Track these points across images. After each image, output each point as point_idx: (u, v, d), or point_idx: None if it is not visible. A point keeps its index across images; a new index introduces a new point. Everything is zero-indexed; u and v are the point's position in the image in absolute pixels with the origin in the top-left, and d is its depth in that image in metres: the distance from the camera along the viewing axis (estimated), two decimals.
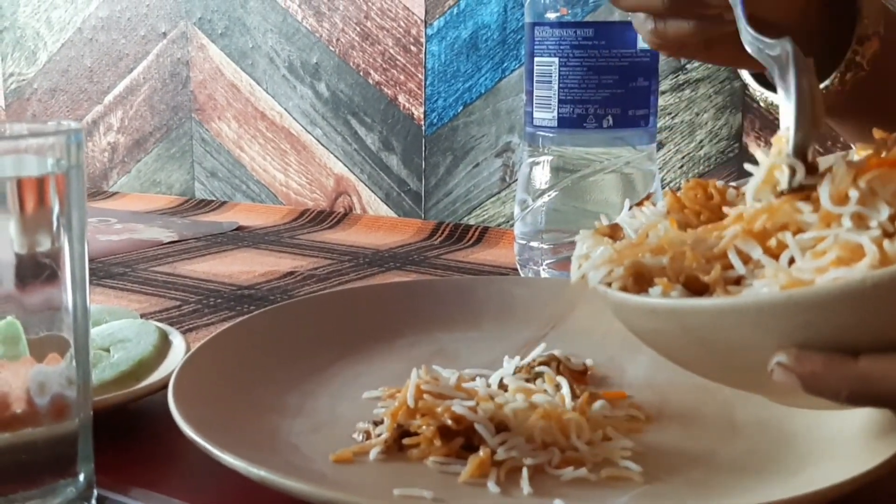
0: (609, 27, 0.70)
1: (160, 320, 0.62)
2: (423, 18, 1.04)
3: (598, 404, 0.46)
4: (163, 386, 0.46)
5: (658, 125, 0.78)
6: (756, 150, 0.40)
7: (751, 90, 0.60)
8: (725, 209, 0.40)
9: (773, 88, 0.57)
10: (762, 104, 0.59)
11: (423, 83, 1.05)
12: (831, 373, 0.32)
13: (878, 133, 0.39)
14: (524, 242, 0.77)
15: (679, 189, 0.42)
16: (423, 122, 1.06)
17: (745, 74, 0.60)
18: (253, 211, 1.15)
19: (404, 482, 0.39)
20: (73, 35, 1.33)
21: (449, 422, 0.42)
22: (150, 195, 1.28)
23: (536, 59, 0.72)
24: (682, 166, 0.92)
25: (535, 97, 0.73)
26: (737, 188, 0.42)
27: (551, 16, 0.71)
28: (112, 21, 1.29)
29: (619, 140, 0.73)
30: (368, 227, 1.04)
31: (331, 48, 1.11)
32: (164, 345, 0.52)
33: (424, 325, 0.59)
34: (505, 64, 1.00)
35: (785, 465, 0.41)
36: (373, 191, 1.11)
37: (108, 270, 0.83)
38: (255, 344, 0.52)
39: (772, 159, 0.38)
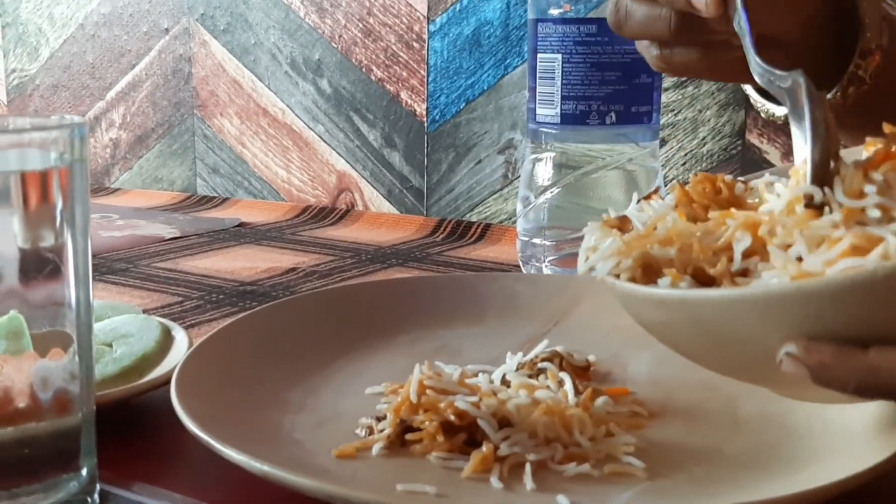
0: None
1: (162, 316, 0.62)
2: (425, 15, 1.04)
3: (601, 400, 0.46)
4: (165, 381, 0.46)
5: (661, 122, 0.78)
6: (776, 184, 0.39)
7: (752, 101, 0.60)
8: (734, 210, 0.40)
9: (773, 99, 0.58)
10: (763, 115, 0.59)
11: (425, 80, 1.05)
12: (840, 364, 0.32)
13: (888, 128, 0.39)
14: (527, 239, 0.77)
15: (687, 183, 0.42)
16: (425, 119, 1.06)
17: (747, 86, 0.60)
18: (255, 207, 1.15)
19: (407, 477, 0.39)
20: (75, 31, 1.33)
21: (452, 417, 0.42)
22: (152, 191, 1.28)
23: (539, 55, 0.72)
24: (684, 163, 0.92)
25: (538, 94, 0.73)
26: (745, 182, 0.42)
27: (554, 12, 0.71)
28: (114, 17, 1.29)
29: (622, 137, 0.73)
30: (370, 223, 1.04)
31: (333, 44, 1.11)
32: (166, 340, 0.52)
33: (427, 322, 0.59)
34: (507, 60, 1.00)
35: (789, 462, 0.41)
36: (375, 187, 1.11)
37: (110, 266, 0.83)
38: (258, 340, 0.52)
39: (791, 192, 0.37)
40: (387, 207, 1.10)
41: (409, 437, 0.42)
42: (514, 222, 0.93)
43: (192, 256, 0.88)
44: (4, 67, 1.42)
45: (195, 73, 1.23)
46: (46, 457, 0.36)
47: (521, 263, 0.78)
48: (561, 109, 0.72)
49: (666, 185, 0.91)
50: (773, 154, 0.89)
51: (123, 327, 0.53)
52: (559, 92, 0.72)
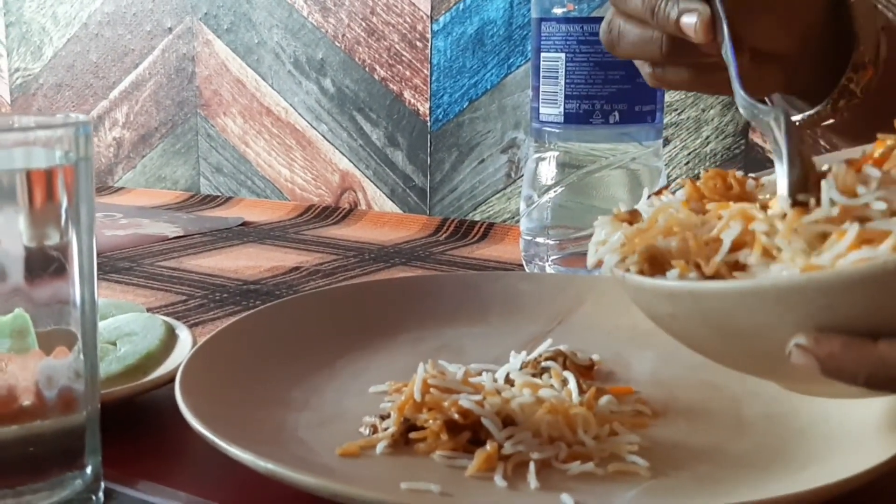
0: None
1: (166, 315, 0.62)
2: (428, 14, 1.04)
3: (604, 399, 0.46)
4: (170, 379, 0.46)
5: (664, 121, 0.78)
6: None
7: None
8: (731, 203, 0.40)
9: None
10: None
11: (428, 79, 1.05)
12: (850, 355, 0.32)
13: None
14: (530, 238, 0.77)
15: (698, 178, 0.42)
16: (428, 118, 1.06)
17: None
18: (258, 206, 1.15)
19: (411, 476, 0.39)
20: (78, 30, 1.33)
21: (456, 416, 0.42)
22: (155, 190, 1.28)
23: (543, 54, 0.72)
24: (688, 162, 0.92)
25: (541, 93, 0.73)
26: (756, 179, 0.42)
27: (558, 11, 0.71)
28: (118, 16, 1.29)
29: (626, 136, 0.73)
30: (373, 222, 1.04)
31: (336, 44, 1.11)
32: (170, 339, 0.52)
33: (430, 320, 0.59)
34: (511, 60, 1.00)
35: (792, 461, 0.41)
36: (378, 187, 1.11)
37: (113, 265, 0.83)
38: (262, 338, 0.52)
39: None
40: (390, 207, 1.10)
41: (412, 435, 0.42)
42: (518, 221, 0.92)
43: (196, 255, 0.88)
44: (8, 66, 1.42)
45: (198, 72, 1.23)
46: (51, 455, 0.36)
47: (524, 262, 0.78)
48: (564, 108, 0.72)
49: (669, 185, 0.91)
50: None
51: (127, 326, 0.53)
52: (562, 91, 0.72)
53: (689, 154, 0.92)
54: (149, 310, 0.61)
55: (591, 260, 0.42)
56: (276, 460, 0.37)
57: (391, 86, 1.08)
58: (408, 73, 1.07)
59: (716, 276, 0.36)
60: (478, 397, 0.44)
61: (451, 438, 0.42)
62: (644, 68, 0.54)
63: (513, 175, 1.02)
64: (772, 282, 0.34)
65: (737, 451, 0.43)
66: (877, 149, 0.39)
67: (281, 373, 0.50)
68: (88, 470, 0.37)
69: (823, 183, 0.36)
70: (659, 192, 0.44)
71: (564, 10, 0.71)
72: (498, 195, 1.03)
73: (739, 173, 0.42)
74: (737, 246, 0.37)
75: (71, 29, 1.34)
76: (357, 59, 1.10)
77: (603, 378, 0.52)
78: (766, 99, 0.44)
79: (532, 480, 0.39)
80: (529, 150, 0.77)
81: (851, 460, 0.38)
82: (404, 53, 1.06)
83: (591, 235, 0.43)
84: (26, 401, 0.35)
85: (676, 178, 0.93)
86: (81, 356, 0.36)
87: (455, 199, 1.06)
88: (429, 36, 1.05)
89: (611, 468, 0.40)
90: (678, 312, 0.37)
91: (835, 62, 0.54)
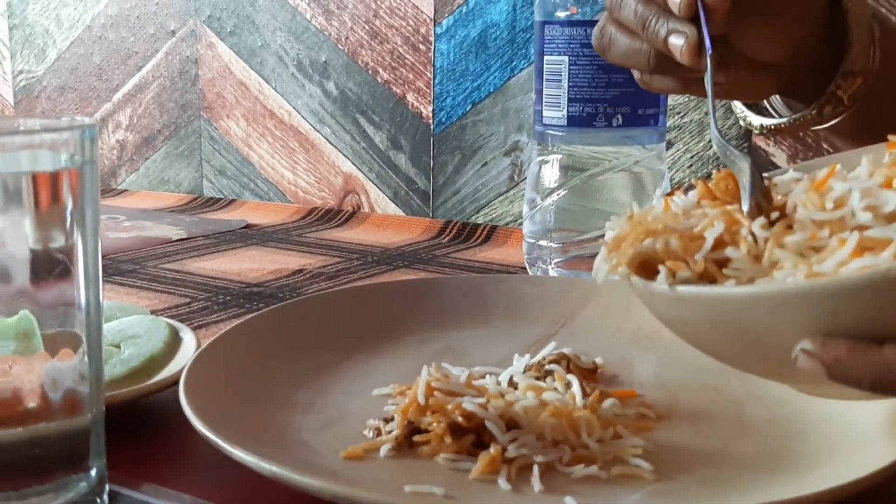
0: None
1: (170, 317, 0.62)
2: (431, 17, 1.04)
3: (608, 402, 0.46)
4: (174, 382, 0.46)
5: (667, 124, 0.78)
6: None
7: (732, 107, 0.60)
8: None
9: (753, 108, 0.58)
10: (742, 122, 0.59)
11: (431, 82, 1.05)
12: (855, 359, 0.33)
13: None
14: (533, 241, 0.77)
15: (710, 178, 0.42)
16: (431, 121, 1.06)
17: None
18: (261, 209, 1.15)
19: (415, 479, 0.39)
20: (82, 33, 1.33)
21: (459, 419, 0.42)
22: (158, 193, 1.28)
23: (546, 57, 0.72)
24: (691, 165, 0.92)
25: (544, 96, 0.73)
26: (769, 179, 0.42)
27: (561, 14, 0.71)
28: (121, 19, 1.29)
29: (629, 139, 0.73)
30: (376, 225, 1.04)
31: (339, 47, 1.11)
32: (174, 341, 0.52)
33: (434, 323, 0.59)
34: (514, 63, 1.00)
35: (795, 464, 0.41)
36: (381, 189, 1.11)
37: (117, 267, 0.83)
38: (265, 341, 0.53)
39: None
40: (393, 209, 1.10)
41: (416, 438, 0.43)
42: (521, 224, 0.93)
43: (199, 258, 0.88)
44: (12, 69, 1.42)
45: (202, 74, 1.23)
46: (56, 457, 0.36)
47: (527, 265, 0.79)
48: (567, 112, 0.72)
49: (681, 185, 0.91)
50: (779, 156, 0.89)
51: (131, 328, 0.53)
52: (566, 94, 0.72)
53: (692, 157, 0.92)
54: (152, 312, 0.61)
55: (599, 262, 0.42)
56: (279, 463, 0.37)
57: (394, 89, 1.08)
58: (411, 75, 1.07)
59: (704, 273, 0.37)
60: (481, 400, 0.44)
61: (455, 441, 0.42)
62: (633, 72, 0.55)
63: (516, 178, 1.02)
64: (778, 288, 0.34)
65: (740, 453, 0.43)
66: (889, 150, 0.40)
67: (285, 375, 0.50)
68: (93, 472, 0.37)
69: (798, 206, 0.37)
70: (671, 193, 0.44)
71: (568, 13, 0.71)
72: (501, 198, 1.03)
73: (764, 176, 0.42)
74: (720, 244, 0.37)
75: (74, 31, 1.34)
76: (360, 62, 1.10)
77: (606, 381, 0.52)
78: (737, 150, 0.45)
79: (536, 483, 0.39)
80: (532, 153, 0.77)
81: (854, 463, 0.38)
82: (407, 56, 1.07)
83: (594, 238, 0.43)
84: (31, 403, 0.35)
85: (679, 182, 0.93)
86: (86, 359, 0.36)
87: (458, 201, 1.06)
88: (432, 39, 1.05)
89: (615, 471, 0.40)
90: (686, 316, 0.38)
91: (830, 66, 0.54)
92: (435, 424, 0.42)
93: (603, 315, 0.58)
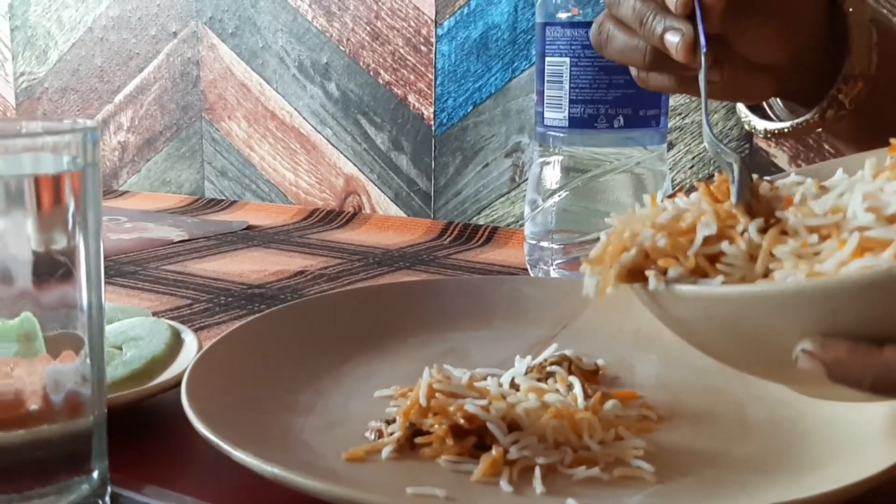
0: None
1: (171, 319, 0.62)
2: (433, 18, 1.04)
3: (609, 404, 0.46)
4: (176, 384, 0.46)
5: (669, 125, 0.78)
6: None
7: (737, 110, 0.61)
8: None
9: (756, 112, 0.58)
10: (746, 126, 0.60)
11: (432, 83, 1.05)
12: (856, 360, 0.33)
13: None
14: (534, 242, 0.77)
15: (712, 179, 0.42)
16: (432, 122, 1.06)
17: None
18: (263, 210, 1.15)
19: (417, 481, 0.39)
20: (83, 34, 1.33)
21: (461, 421, 0.42)
22: (159, 194, 1.28)
23: (547, 59, 0.72)
24: (692, 167, 0.92)
25: (546, 97, 0.73)
26: (771, 182, 0.42)
27: (562, 16, 0.71)
28: (123, 20, 1.29)
29: (630, 140, 0.73)
30: (378, 226, 1.04)
31: (341, 48, 1.11)
32: (176, 343, 0.52)
33: (435, 325, 0.59)
34: (515, 64, 1.00)
35: (797, 465, 0.41)
36: (382, 191, 1.11)
37: (119, 269, 0.83)
38: (267, 342, 0.53)
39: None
40: (394, 210, 1.10)
41: (418, 440, 0.43)
42: (522, 226, 0.93)
43: (201, 259, 0.88)
44: (13, 70, 1.42)
45: (203, 76, 1.23)
46: (58, 459, 0.36)
47: (528, 267, 0.79)
48: (569, 113, 0.72)
49: (683, 187, 0.91)
50: (780, 158, 0.89)
51: (133, 330, 0.53)
52: (567, 95, 0.72)
53: (693, 158, 0.92)
54: (154, 314, 0.61)
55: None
56: (281, 464, 0.37)
57: (395, 90, 1.08)
58: (412, 77, 1.07)
59: (696, 269, 0.37)
60: (483, 402, 0.44)
61: (457, 443, 0.42)
62: (631, 69, 0.56)
63: (517, 179, 1.02)
64: (779, 287, 0.34)
65: (742, 455, 0.43)
66: (891, 154, 0.40)
67: (286, 377, 0.50)
68: (95, 474, 0.37)
69: (790, 216, 0.37)
70: (673, 195, 0.44)
71: (569, 14, 0.71)
72: (502, 199, 1.03)
73: (754, 177, 0.42)
74: (712, 239, 0.37)
75: (76, 33, 1.34)
76: (361, 64, 1.10)
77: (608, 383, 0.52)
78: (727, 148, 0.45)
79: (538, 485, 0.39)
80: (534, 155, 0.77)
81: (856, 465, 0.38)
82: (409, 57, 1.07)
83: (595, 240, 0.43)
84: (33, 405, 0.35)
85: (681, 183, 0.93)
86: (88, 360, 0.36)
87: (459, 202, 1.06)
88: (433, 40, 1.05)
89: (616, 473, 0.40)
90: (686, 316, 0.38)
91: (830, 69, 0.54)
92: (437, 426, 0.42)
93: (604, 316, 0.58)
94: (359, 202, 1.13)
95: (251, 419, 0.44)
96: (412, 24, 1.06)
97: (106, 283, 0.81)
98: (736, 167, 0.41)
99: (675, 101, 0.91)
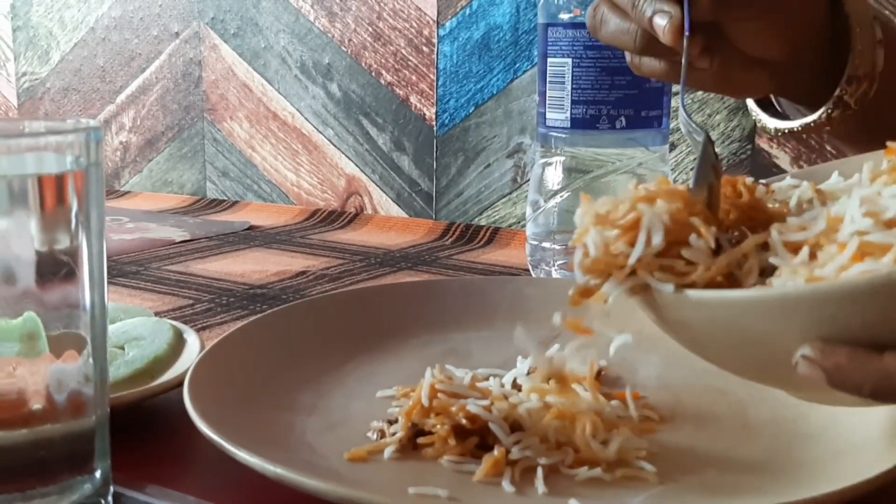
0: None
1: (173, 319, 0.62)
2: (435, 19, 1.04)
3: (611, 405, 0.46)
4: (178, 384, 0.46)
5: (671, 126, 0.78)
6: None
7: (749, 110, 0.61)
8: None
9: (768, 110, 0.59)
10: (757, 124, 0.60)
11: (434, 84, 1.05)
12: (856, 367, 0.32)
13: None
14: (536, 243, 0.77)
15: None
16: (434, 123, 1.06)
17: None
18: (264, 211, 1.15)
19: (419, 481, 0.39)
20: (85, 34, 1.34)
21: (463, 421, 0.42)
22: (161, 194, 1.28)
23: (549, 59, 0.72)
24: (693, 168, 0.92)
25: (547, 98, 0.73)
26: (766, 185, 0.42)
27: (564, 17, 0.71)
28: (125, 21, 1.29)
29: (632, 141, 0.73)
30: (380, 227, 1.04)
31: (343, 48, 1.11)
32: (178, 343, 0.52)
33: (437, 325, 0.59)
34: (517, 65, 1.00)
35: (799, 466, 0.41)
36: (384, 191, 1.11)
37: (120, 269, 0.83)
38: (269, 342, 0.53)
39: None
40: (396, 211, 1.10)
41: (420, 440, 0.43)
42: (524, 226, 0.93)
43: (203, 259, 0.88)
44: (15, 70, 1.42)
45: (205, 76, 1.23)
46: (61, 459, 0.36)
47: (530, 267, 0.79)
48: (571, 114, 0.72)
49: None
50: (782, 158, 0.89)
51: (135, 330, 0.54)
52: (569, 96, 0.72)
53: (695, 159, 0.92)
54: (156, 314, 0.61)
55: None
56: (284, 464, 0.37)
57: (397, 90, 1.08)
58: (414, 77, 1.07)
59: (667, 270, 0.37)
60: (485, 402, 0.44)
61: (459, 443, 0.42)
62: (626, 55, 0.56)
63: (519, 180, 1.02)
64: (778, 292, 0.34)
65: (744, 456, 0.43)
66: (887, 157, 0.39)
67: (289, 377, 0.50)
68: (97, 474, 0.37)
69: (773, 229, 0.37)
70: None
71: (571, 15, 0.71)
72: (504, 200, 1.03)
73: (750, 180, 0.42)
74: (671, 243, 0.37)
75: (78, 33, 1.34)
76: (363, 64, 1.10)
77: (610, 383, 0.52)
78: (699, 127, 0.46)
79: (540, 486, 0.39)
80: (536, 155, 0.77)
81: (858, 466, 0.38)
82: (410, 58, 1.07)
83: None
84: (36, 405, 0.35)
85: (683, 183, 0.93)
86: (91, 360, 0.36)
87: (461, 203, 1.06)
88: (435, 41, 1.05)
89: (618, 474, 0.40)
90: (684, 320, 0.38)
91: (831, 69, 0.54)
92: (439, 426, 0.42)
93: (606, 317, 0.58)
94: (360, 203, 1.13)
95: (253, 419, 0.44)
96: (414, 24, 1.06)
97: (108, 283, 0.81)
98: (701, 145, 0.41)
99: (676, 102, 0.91)
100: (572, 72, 0.71)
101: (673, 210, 0.38)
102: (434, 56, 1.05)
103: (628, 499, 0.39)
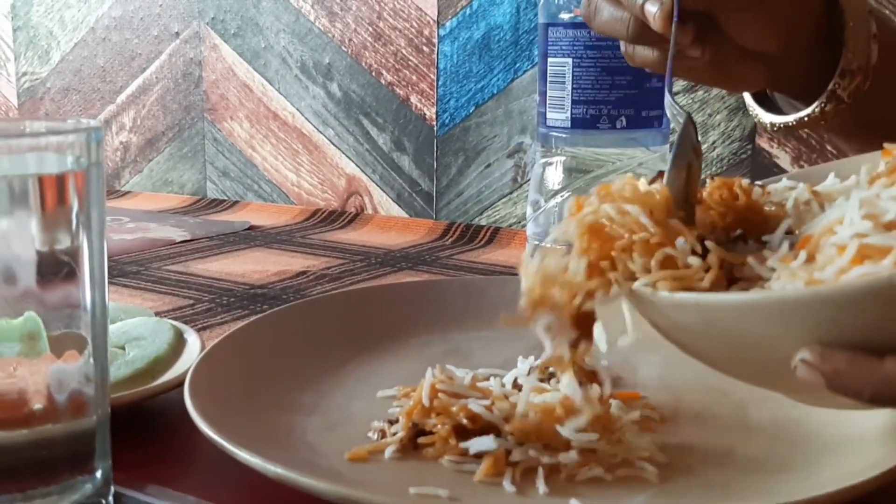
0: None
1: (174, 319, 0.62)
2: (435, 19, 1.04)
3: (612, 404, 0.46)
4: (178, 383, 0.46)
5: (671, 126, 0.78)
6: None
7: (747, 106, 0.61)
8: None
9: (765, 106, 0.59)
10: (755, 120, 0.60)
11: (435, 83, 1.05)
12: (855, 372, 0.32)
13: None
14: (537, 243, 0.77)
15: (704, 184, 0.42)
16: (434, 123, 1.06)
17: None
18: (265, 210, 1.15)
19: (419, 481, 0.39)
20: (86, 34, 1.34)
21: (464, 421, 0.42)
22: (162, 194, 1.28)
23: (550, 59, 0.72)
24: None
25: (548, 98, 0.73)
26: (763, 186, 0.42)
27: (565, 16, 0.71)
28: (125, 21, 1.29)
29: (633, 141, 0.73)
30: (380, 227, 1.04)
31: (343, 48, 1.11)
32: (178, 343, 0.52)
33: (438, 325, 0.59)
34: (517, 65, 1.00)
35: (801, 466, 0.41)
36: (384, 191, 1.11)
37: (121, 269, 0.83)
38: (270, 342, 0.53)
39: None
40: (396, 211, 1.10)
41: (421, 440, 0.43)
42: (524, 226, 0.93)
43: (203, 259, 0.88)
44: (15, 70, 1.42)
45: (205, 76, 1.23)
46: (61, 459, 0.36)
47: None
48: (571, 113, 0.72)
49: None
50: (783, 158, 0.89)
51: (136, 330, 0.54)
52: (569, 96, 0.72)
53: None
54: (157, 314, 0.61)
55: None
56: (284, 464, 0.37)
57: (398, 90, 1.08)
58: (414, 77, 1.07)
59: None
60: (486, 402, 0.44)
61: (460, 443, 0.42)
62: (621, 45, 0.57)
63: (519, 179, 1.02)
64: (777, 295, 0.34)
65: (745, 455, 0.43)
66: (883, 158, 0.39)
67: (289, 377, 0.50)
68: (98, 474, 0.37)
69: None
70: None
71: (571, 15, 0.71)
72: (504, 200, 1.03)
73: (745, 181, 0.42)
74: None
75: (78, 33, 1.34)
76: (364, 64, 1.10)
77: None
78: (681, 108, 0.46)
79: (540, 485, 0.39)
80: (536, 155, 0.77)
81: (861, 465, 0.38)
82: (411, 58, 1.07)
83: None
84: (37, 405, 0.35)
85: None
86: (92, 360, 0.36)
87: (461, 203, 1.06)
88: (435, 41, 1.05)
89: (619, 473, 0.40)
90: (682, 323, 0.37)
91: (827, 64, 0.54)
92: (439, 426, 0.42)
93: (606, 316, 0.58)
94: (361, 203, 1.13)
95: (254, 419, 0.44)
96: (414, 24, 1.06)
97: (109, 283, 0.81)
98: (681, 125, 0.42)
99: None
100: (573, 72, 0.71)
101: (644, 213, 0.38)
102: (434, 56, 1.05)
103: (629, 499, 0.39)
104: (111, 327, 0.54)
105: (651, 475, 0.40)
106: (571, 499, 0.37)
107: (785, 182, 0.43)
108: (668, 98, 0.47)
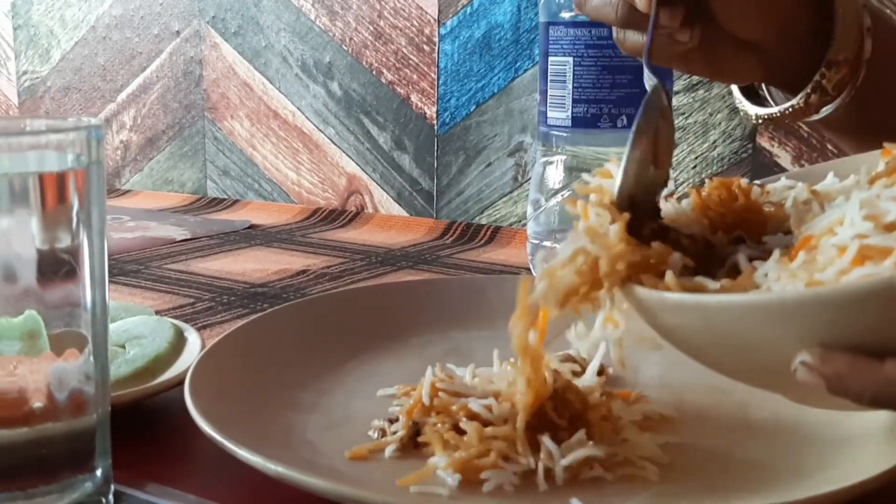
0: None
1: (174, 317, 0.62)
2: (436, 18, 1.04)
3: (613, 404, 0.46)
4: (179, 382, 0.46)
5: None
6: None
7: (735, 99, 0.61)
8: None
9: (751, 99, 0.58)
10: (741, 114, 0.60)
11: (435, 82, 1.05)
12: (856, 374, 0.32)
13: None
14: (537, 242, 0.77)
15: (703, 184, 0.42)
16: (435, 122, 1.06)
17: (733, 85, 0.61)
18: (265, 209, 1.15)
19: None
20: (86, 33, 1.34)
21: (464, 420, 0.42)
22: (162, 193, 1.28)
23: (551, 58, 0.72)
24: (695, 166, 0.92)
25: (549, 97, 0.73)
26: (762, 186, 0.42)
27: (566, 15, 0.71)
28: (126, 19, 1.29)
29: None
30: (380, 226, 1.04)
31: (344, 47, 1.11)
32: (179, 341, 0.52)
33: (438, 324, 0.59)
34: (518, 63, 1.00)
35: (802, 466, 0.41)
36: (385, 190, 1.11)
37: (121, 268, 0.83)
38: (270, 341, 0.53)
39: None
40: (396, 210, 1.10)
41: (421, 439, 0.42)
42: (525, 225, 0.93)
43: (203, 258, 0.88)
44: (16, 69, 1.42)
45: (206, 75, 1.23)
46: (61, 457, 0.36)
47: (531, 266, 0.78)
48: (572, 112, 0.72)
49: (676, 189, 0.91)
50: (783, 157, 0.88)
51: (136, 329, 0.54)
52: (570, 95, 0.72)
53: (696, 158, 0.92)
54: (157, 313, 0.61)
55: None
56: (284, 463, 0.37)
57: (398, 89, 1.08)
58: (415, 76, 1.07)
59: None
60: (486, 402, 0.43)
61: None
62: (614, 31, 0.57)
63: (520, 179, 1.02)
64: (778, 296, 0.33)
65: (746, 455, 0.43)
66: (883, 158, 0.39)
67: (289, 376, 0.50)
68: (98, 472, 0.37)
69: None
70: (669, 197, 0.44)
71: (572, 14, 0.71)
72: (505, 199, 1.03)
73: (744, 181, 0.42)
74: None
75: (79, 32, 1.34)
76: (364, 63, 1.10)
77: (611, 383, 0.51)
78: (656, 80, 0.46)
79: (541, 484, 0.39)
80: (537, 154, 0.77)
81: (861, 465, 0.38)
82: (411, 57, 1.07)
83: None
84: (37, 403, 0.35)
85: (684, 183, 0.93)
86: (92, 359, 0.36)
87: (462, 202, 1.06)
88: (436, 40, 1.05)
89: (620, 473, 0.40)
90: (682, 324, 0.37)
91: (821, 56, 0.54)
92: (440, 425, 0.42)
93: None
94: (361, 201, 1.13)
95: (254, 417, 0.44)
96: (415, 23, 1.06)
97: (109, 281, 0.81)
98: (649, 91, 0.42)
99: (677, 101, 0.91)
100: (573, 70, 0.71)
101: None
102: (435, 55, 1.05)
103: (630, 498, 0.39)
104: (111, 326, 0.54)
105: (652, 475, 0.40)
106: (572, 498, 0.37)
107: (784, 181, 0.43)
108: (646, 71, 0.47)
